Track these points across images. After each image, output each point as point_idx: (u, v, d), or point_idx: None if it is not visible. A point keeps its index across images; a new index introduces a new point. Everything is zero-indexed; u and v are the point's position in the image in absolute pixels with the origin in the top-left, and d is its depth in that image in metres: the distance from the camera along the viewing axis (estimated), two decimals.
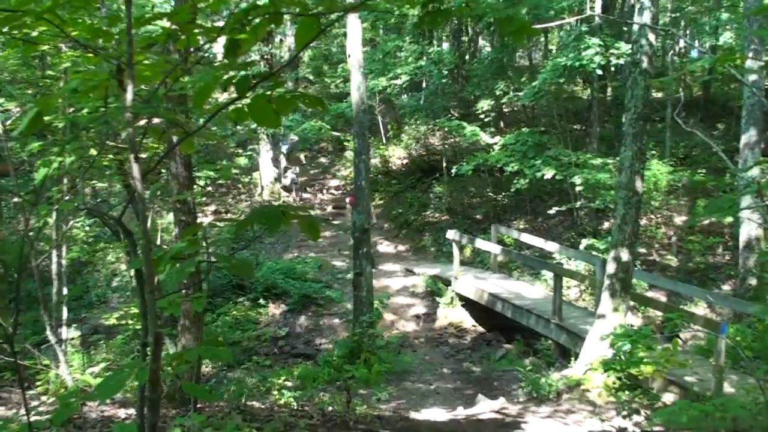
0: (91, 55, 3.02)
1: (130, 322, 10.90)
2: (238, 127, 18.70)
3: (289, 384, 10.11)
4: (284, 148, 23.37)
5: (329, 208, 23.03)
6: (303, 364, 12.50)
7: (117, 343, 11.37)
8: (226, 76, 2.49)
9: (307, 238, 2.56)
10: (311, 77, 29.60)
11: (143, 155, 6.61)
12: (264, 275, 15.65)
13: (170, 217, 12.55)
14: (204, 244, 2.69)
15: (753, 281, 13.90)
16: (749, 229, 13.99)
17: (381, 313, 14.33)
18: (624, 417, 6.49)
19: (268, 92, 2.45)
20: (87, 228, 14.52)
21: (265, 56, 21.85)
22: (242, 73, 2.48)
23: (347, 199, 16.41)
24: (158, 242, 12.35)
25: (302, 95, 2.63)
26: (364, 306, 12.86)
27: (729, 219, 14.89)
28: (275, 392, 8.98)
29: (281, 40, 23.70)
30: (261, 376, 10.48)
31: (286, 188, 23.32)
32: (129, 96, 2.46)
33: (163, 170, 10.15)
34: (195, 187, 9.40)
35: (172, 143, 4.24)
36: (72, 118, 5.71)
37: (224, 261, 2.58)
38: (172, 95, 5.72)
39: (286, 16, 2.46)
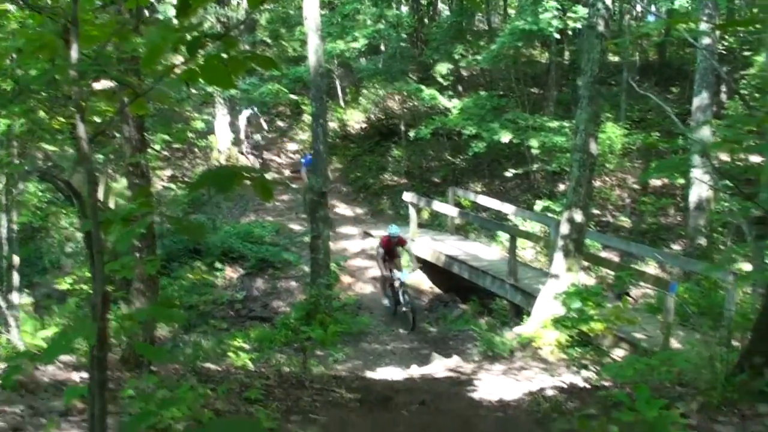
0: (39, 14, 2.98)
1: (84, 286, 10.78)
2: (194, 90, 18.45)
3: (245, 346, 10.12)
4: (244, 116, 22.41)
5: (287, 172, 22.88)
6: (260, 327, 12.54)
7: (70, 307, 11.25)
8: (178, 36, 2.46)
9: (264, 201, 2.56)
10: (269, 40, 29.17)
11: (96, 118, 6.51)
12: (221, 239, 15.56)
13: (125, 181, 12.39)
14: (156, 205, 2.68)
15: (702, 241, 14.24)
16: (700, 190, 14.29)
17: (338, 275, 14.41)
18: (574, 372, 6.66)
19: (221, 53, 2.45)
20: (40, 193, 14.26)
21: (221, 19, 21.48)
22: (194, 33, 2.46)
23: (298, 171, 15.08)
24: (112, 207, 12.19)
25: (255, 56, 2.62)
26: (321, 268, 12.91)
27: (681, 181, 15.21)
28: (231, 354, 8.99)
29: (238, 3, 23.29)
30: (217, 339, 10.48)
31: (251, 153, 22.62)
32: (74, 54, 2.43)
33: (117, 134, 9.99)
34: (149, 150, 9.27)
35: (124, 105, 4.19)
36: (18, 77, 5.60)
37: (175, 223, 2.57)
38: (124, 57, 5.64)
39: None
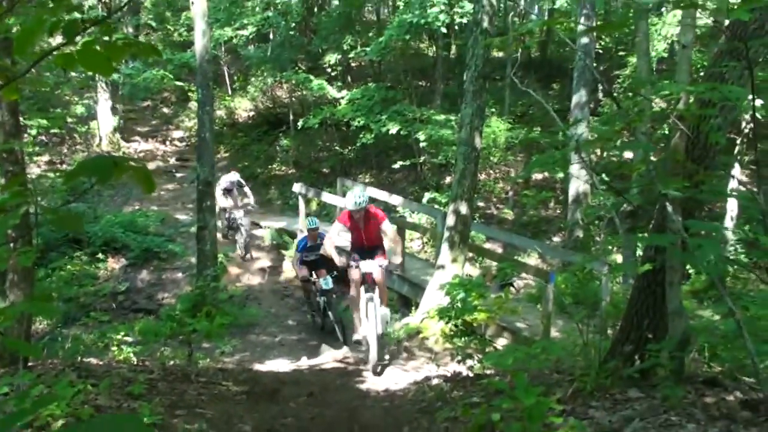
0: None
1: None
2: (74, 73, 17.71)
3: (129, 339, 9.83)
4: (222, 185, 15.85)
5: (172, 160, 22.36)
6: (144, 319, 12.23)
7: None
8: (53, 19, 2.37)
9: (147, 194, 2.50)
10: (153, 24, 28.36)
11: None
12: (102, 228, 15.01)
13: None
14: (32, 194, 2.57)
15: (580, 233, 14.86)
16: (577, 184, 14.90)
17: (225, 266, 14.21)
18: (459, 362, 6.82)
19: (101, 38, 2.38)
20: None
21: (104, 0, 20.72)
22: (72, 16, 2.38)
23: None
24: None
25: (135, 43, 2.56)
26: (208, 259, 12.70)
27: (560, 175, 15.81)
28: (114, 348, 8.72)
29: None
30: (99, 333, 10.14)
31: (227, 235, 16.55)
32: None
33: None
34: (25, 136, 8.86)
35: None
36: None
37: (50, 214, 2.49)
38: None
39: None
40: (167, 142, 23.51)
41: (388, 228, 8.46)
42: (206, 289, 12.02)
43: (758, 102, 3.76)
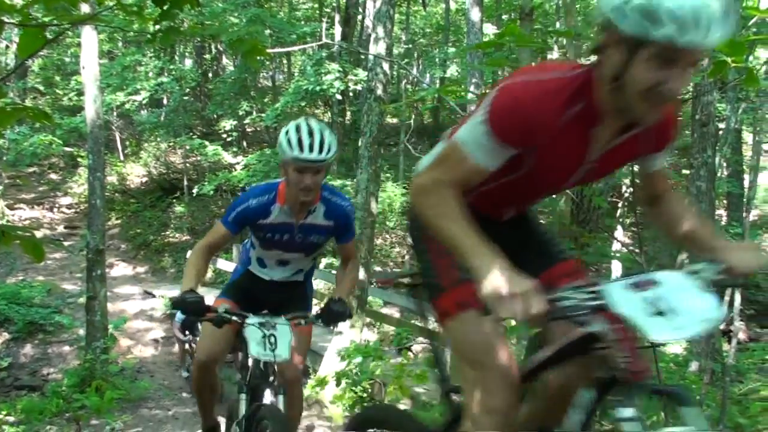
0: None
1: None
2: None
3: (11, 419, 9.32)
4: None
5: (60, 228, 21.56)
6: (28, 397, 11.56)
7: None
8: None
9: (36, 262, 2.42)
10: (41, 88, 27.61)
11: None
12: None
13: None
14: None
15: None
16: None
17: (116, 338, 13.66)
18: None
19: None
20: None
21: None
22: None
23: None
24: None
25: (26, 108, 2.52)
26: (97, 331, 12.18)
27: None
28: None
29: (7, 46, 21.91)
30: None
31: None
32: None
33: None
34: None
35: None
36: None
37: None
38: None
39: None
40: (55, 210, 22.68)
41: None
42: (96, 362, 11.50)
43: (636, 167, 3.96)
